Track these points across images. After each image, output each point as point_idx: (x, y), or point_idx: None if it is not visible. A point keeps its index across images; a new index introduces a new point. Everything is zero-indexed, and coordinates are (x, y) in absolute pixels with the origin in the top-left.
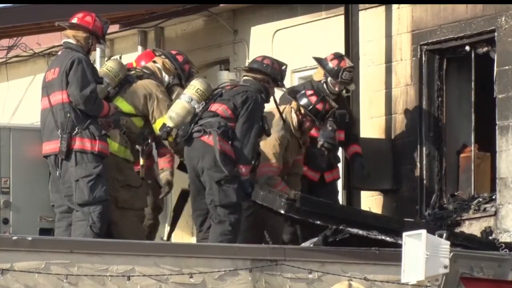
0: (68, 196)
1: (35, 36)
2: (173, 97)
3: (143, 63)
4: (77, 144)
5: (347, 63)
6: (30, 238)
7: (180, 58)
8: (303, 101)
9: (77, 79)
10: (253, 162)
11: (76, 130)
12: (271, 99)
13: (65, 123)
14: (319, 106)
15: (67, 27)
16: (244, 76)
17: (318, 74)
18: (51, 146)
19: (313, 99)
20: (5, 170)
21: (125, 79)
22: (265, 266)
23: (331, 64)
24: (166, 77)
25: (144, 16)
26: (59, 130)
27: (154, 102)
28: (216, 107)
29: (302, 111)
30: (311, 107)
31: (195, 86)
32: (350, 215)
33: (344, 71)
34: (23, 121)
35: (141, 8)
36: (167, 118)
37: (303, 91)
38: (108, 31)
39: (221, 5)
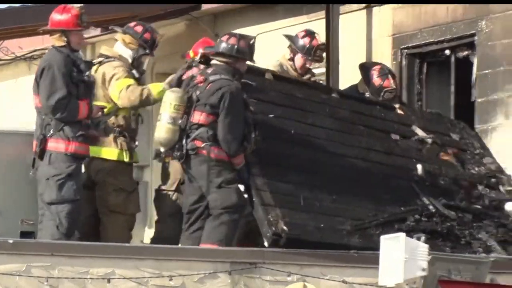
0: (41, 195)
1: (17, 39)
2: (144, 67)
3: (200, 51)
4: (52, 145)
5: (319, 40)
6: (11, 241)
7: (139, 28)
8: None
9: (45, 87)
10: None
11: (51, 132)
12: None
13: (42, 125)
14: (306, 41)
15: (49, 32)
16: (213, 60)
17: (286, 54)
18: (34, 147)
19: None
20: None
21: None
22: (244, 269)
23: (303, 42)
24: (129, 52)
25: (126, 20)
26: (39, 132)
27: (112, 79)
28: (197, 117)
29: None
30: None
31: (171, 102)
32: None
33: (317, 49)
34: (5, 125)
35: (123, 11)
36: (156, 142)
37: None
38: (91, 34)
39: (203, 9)
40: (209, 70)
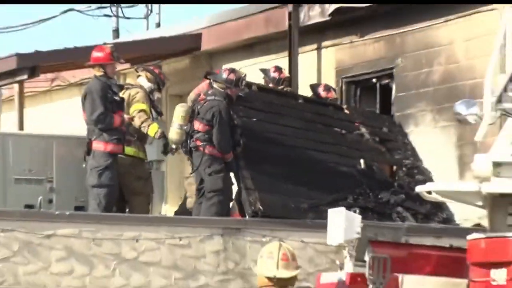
0: (87, 180)
1: (71, 71)
2: (155, 98)
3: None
4: (95, 146)
5: (285, 74)
6: (67, 213)
7: (156, 70)
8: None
9: (87, 108)
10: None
11: (94, 136)
12: None
13: (88, 132)
14: (275, 75)
15: (92, 66)
16: (214, 84)
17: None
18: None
19: (272, 69)
20: (50, 166)
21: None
22: (232, 232)
23: (273, 75)
24: (148, 84)
25: (147, 57)
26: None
27: (134, 99)
28: (197, 125)
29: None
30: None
31: (179, 113)
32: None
33: (284, 80)
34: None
35: (145, 52)
36: (170, 142)
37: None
38: (121, 67)
39: (202, 49)
40: (210, 91)
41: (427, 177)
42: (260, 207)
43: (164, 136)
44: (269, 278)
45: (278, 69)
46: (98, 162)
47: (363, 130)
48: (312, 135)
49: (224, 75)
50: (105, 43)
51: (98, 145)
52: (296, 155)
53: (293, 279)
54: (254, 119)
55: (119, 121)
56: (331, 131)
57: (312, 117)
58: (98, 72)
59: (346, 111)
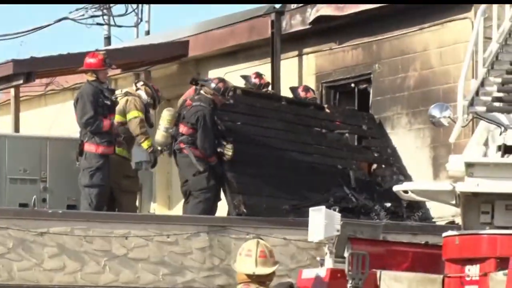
0: (79, 181)
1: (64, 76)
2: (150, 114)
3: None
4: (87, 147)
5: (265, 80)
6: (60, 211)
7: (154, 86)
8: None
9: (78, 111)
10: (219, 150)
11: (86, 138)
12: None
13: (81, 135)
14: (256, 80)
15: (85, 72)
16: (201, 90)
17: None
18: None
19: (253, 76)
20: (44, 166)
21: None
22: (218, 230)
23: (254, 80)
24: (146, 97)
25: (137, 63)
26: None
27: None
28: (182, 128)
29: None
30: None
31: (166, 117)
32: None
33: (264, 86)
34: (56, 133)
35: (135, 58)
36: (156, 143)
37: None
38: (112, 73)
39: (189, 56)
40: (196, 97)
41: (405, 174)
42: (244, 210)
43: (154, 151)
44: (248, 275)
45: (259, 75)
46: (90, 163)
47: (343, 129)
48: (294, 136)
49: (213, 84)
50: (97, 50)
51: (90, 147)
52: (278, 157)
53: (271, 275)
54: (238, 123)
55: (108, 125)
56: (312, 131)
57: (293, 119)
58: (91, 77)
59: (327, 110)
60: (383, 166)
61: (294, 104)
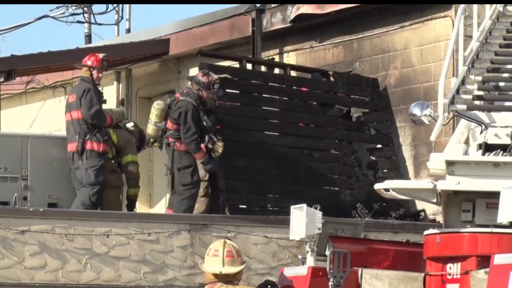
0: (80, 179)
1: (45, 74)
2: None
3: None
4: (89, 145)
5: (213, 77)
6: (41, 209)
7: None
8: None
9: (86, 103)
10: (210, 146)
11: (88, 136)
12: None
13: (81, 132)
14: (203, 79)
15: (80, 67)
16: (188, 84)
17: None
18: (71, 146)
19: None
20: (25, 164)
21: None
22: (199, 228)
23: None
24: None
25: (118, 61)
26: (76, 136)
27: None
28: (168, 124)
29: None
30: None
31: (154, 112)
32: None
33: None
34: (35, 131)
35: (115, 56)
36: (147, 136)
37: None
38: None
39: (170, 54)
40: (185, 91)
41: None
42: (227, 212)
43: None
44: (215, 275)
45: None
46: (93, 162)
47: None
48: (290, 116)
49: (197, 78)
50: (77, 48)
51: (92, 145)
52: (271, 148)
53: (238, 274)
54: (233, 111)
55: (110, 121)
56: (312, 107)
57: (293, 94)
58: (85, 74)
59: (332, 79)
60: (379, 146)
61: (300, 73)
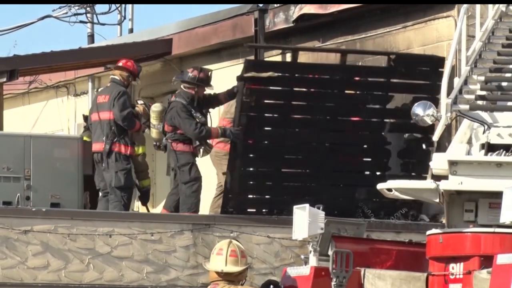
0: (110, 182)
1: (47, 74)
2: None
3: None
4: (117, 148)
5: (207, 70)
6: (44, 209)
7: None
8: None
9: (119, 105)
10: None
11: (116, 138)
12: None
13: (109, 133)
14: (195, 73)
15: (114, 68)
16: (181, 85)
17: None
18: (97, 146)
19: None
20: (28, 164)
21: None
22: (201, 228)
23: (191, 74)
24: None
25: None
26: (104, 137)
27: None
28: (166, 125)
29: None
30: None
31: (152, 114)
32: None
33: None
34: (38, 131)
35: (118, 56)
36: (153, 140)
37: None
38: (95, 71)
39: (172, 54)
40: (177, 92)
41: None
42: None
43: None
44: (217, 273)
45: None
46: (122, 165)
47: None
48: (316, 110)
49: (191, 75)
50: (80, 48)
51: (120, 148)
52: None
53: (241, 275)
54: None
55: (138, 126)
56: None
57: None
58: (118, 76)
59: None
60: (406, 136)
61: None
